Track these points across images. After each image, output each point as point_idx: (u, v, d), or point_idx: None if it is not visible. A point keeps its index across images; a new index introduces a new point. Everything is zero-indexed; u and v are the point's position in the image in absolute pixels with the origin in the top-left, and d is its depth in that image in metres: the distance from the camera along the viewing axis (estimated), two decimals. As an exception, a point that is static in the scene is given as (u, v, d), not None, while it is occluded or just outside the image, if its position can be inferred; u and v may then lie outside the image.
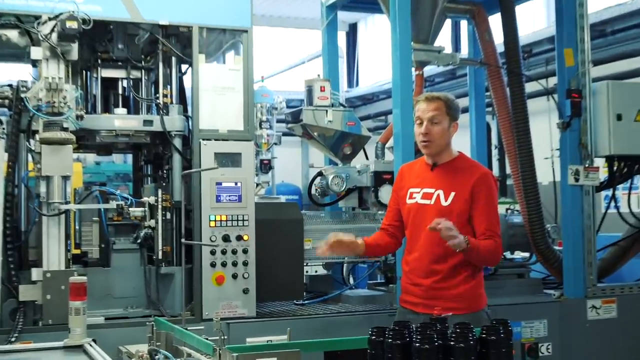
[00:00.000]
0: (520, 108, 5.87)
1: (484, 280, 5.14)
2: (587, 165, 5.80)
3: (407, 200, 4.16)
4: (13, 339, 4.24)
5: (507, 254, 6.38)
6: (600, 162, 6.06)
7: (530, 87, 6.19)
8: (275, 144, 10.92)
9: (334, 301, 5.58)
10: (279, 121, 11.00)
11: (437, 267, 4.01)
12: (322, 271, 6.26)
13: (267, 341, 4.13)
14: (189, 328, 3.48)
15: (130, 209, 4.80)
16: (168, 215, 4.88)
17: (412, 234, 4.14)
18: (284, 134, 11.30)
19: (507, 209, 6.29)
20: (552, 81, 6.82)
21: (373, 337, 2.87)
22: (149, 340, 3.41)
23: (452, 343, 2.78)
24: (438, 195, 4.01)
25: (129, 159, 13.22)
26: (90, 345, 3.31)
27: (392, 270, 5.59)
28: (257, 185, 10.07)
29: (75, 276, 3.48)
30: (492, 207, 4.06)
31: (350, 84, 17.77)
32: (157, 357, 2.69)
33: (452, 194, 3.99)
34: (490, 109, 8.33)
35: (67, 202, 4.61)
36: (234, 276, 4.86)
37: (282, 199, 11.32)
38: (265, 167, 10.60)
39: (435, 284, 4.01)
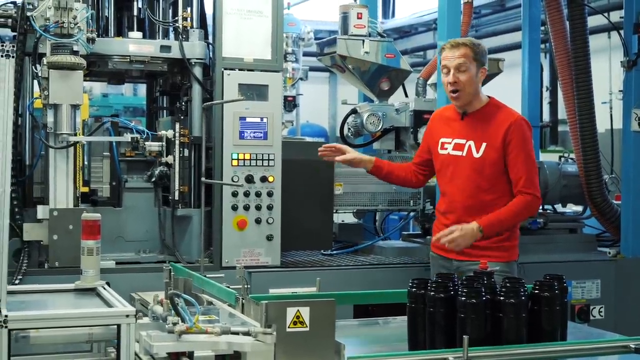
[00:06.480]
0: (581, 43, 5.79)
1: (532, 234, 5.23)
2: (653, 110, 5.72)
3: (439, 150, 4.35)
4: (17, 282, 4.29)
5: (559, 207, 6.35)
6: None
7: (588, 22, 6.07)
8: (301, 79, 10.84)
9: (365, 252, 5.60)
10: (305, 54, 10.91)
11: (470, 219, 4.16)
12: (352, 219, 6.27)
13: (292, 292, 4.17)
14: (207, 275, 3.52)
15: (146, 143, 4.81)
16: (186, 152, 4.88)
17: (446, 186, 4.34)
18: (311, 69, 11.23)
19: (560, 157, 6.24)
20: (615, 15, 6.71)
21: (414, 289, 2.90)
22: (166, 286, 3.47)
23: (501, 298, 2.80)
24: (469, 146, 4.15)
25: (140, 91, 13.26)
26: (104, 288, 3.37)
27: (430, 220, 5.59)
28: (280, 124, 10.03)
29: (88, 213, 3.52)
30: (527, 157, 4.17)
31: (385, 15, 17.50)
32: (177, 302, 2.72)
33: (484, 145, 4.14)
34: (542, 46, 8.23)
35: (76, 134, 4.63)
36: (257, 221, 4.88)
37: (307, 140, 11.27)
38: (290, 104, 10.54)
39: None
